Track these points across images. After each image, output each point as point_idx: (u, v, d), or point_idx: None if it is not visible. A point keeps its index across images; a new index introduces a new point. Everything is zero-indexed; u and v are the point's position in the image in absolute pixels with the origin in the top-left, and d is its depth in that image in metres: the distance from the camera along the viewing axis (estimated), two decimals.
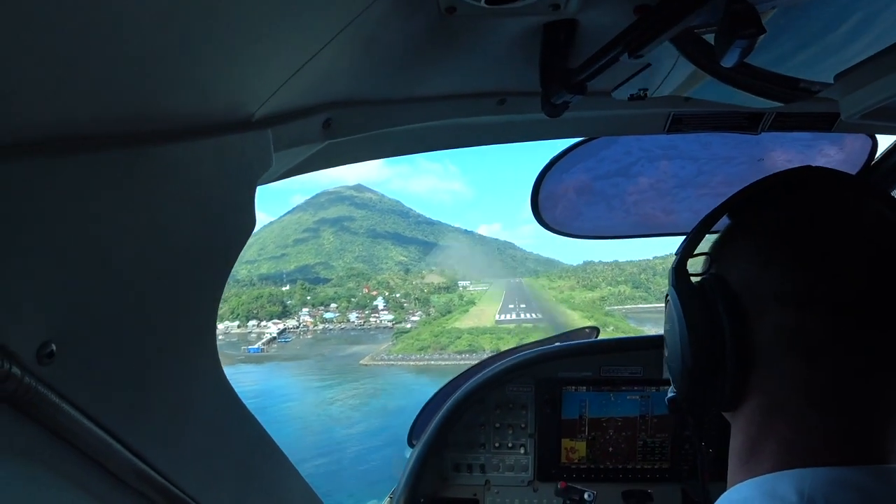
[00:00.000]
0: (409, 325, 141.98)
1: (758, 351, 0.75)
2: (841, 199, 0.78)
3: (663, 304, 0.87)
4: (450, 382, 2.63)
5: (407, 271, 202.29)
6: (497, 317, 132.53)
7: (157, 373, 0.82)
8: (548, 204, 1.91)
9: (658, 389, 2.36)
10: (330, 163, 1.34)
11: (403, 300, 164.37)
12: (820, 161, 1.86)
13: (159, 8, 0.52)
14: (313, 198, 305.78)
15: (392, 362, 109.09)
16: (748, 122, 1.48)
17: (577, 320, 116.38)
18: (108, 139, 0.61)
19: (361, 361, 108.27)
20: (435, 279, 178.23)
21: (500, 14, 0.90)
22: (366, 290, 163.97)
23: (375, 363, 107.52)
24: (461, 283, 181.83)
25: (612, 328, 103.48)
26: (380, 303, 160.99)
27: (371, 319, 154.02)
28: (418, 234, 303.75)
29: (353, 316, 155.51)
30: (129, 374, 0.76)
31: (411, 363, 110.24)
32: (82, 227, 0.61)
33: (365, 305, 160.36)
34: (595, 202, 1.99)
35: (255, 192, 0.91)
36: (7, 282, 0.54)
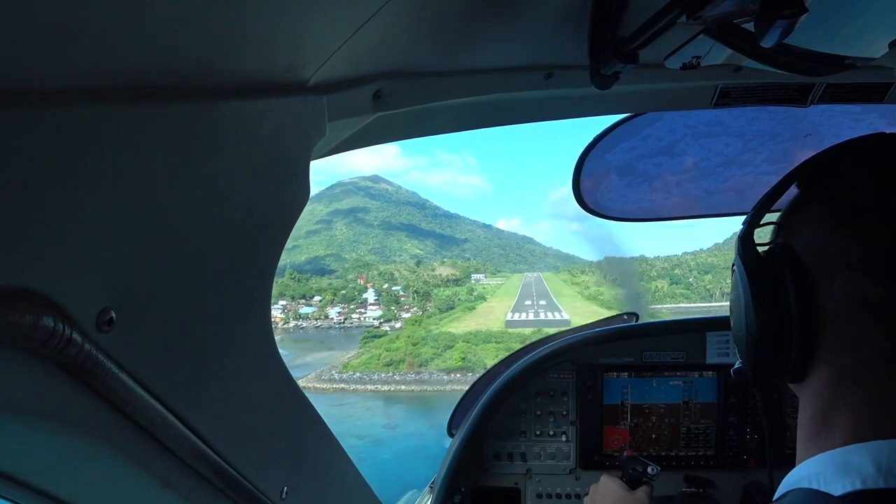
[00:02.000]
0: (399, 325, 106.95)
1: (827, 319, 0.75)
2: None
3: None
4: (489, 370, 2.67)
5: (418, 263, 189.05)
6: (509, 316, 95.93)
7: (214, 347, 0.82)
8: (589, 186, 1.93)
9: (701, 375, 2.38)
10: (380, 138, 1.36)
11: (402, 293, 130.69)
12: None
13: None
14: (328, 188, 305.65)
15: (343, 385, 73.10)
16: (798, 95, 1.48)
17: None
18: (174, 90, 0.60)
19: (300, 383, 51.61)
20: (446, 271, 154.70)
21: None
22: (360, 282, 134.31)
23: (318, 387, 71.49)
24: (475, 276, 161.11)
25: None
26: (370, 295, 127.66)
27: (354, 315, 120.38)
28: (435, 227, 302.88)
29: (334, 311, 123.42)
30: (187, 345, 0.76)
31: (369, 388, 72.29)
32: (145, 183, 0.59)
33: (353, 298, 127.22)
34: (638, 183, 2.00)
35: (309, 160, 0.92)
36: (68, 239, 0.52)
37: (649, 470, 1.73)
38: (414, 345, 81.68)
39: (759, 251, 0.85)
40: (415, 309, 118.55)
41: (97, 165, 0.53)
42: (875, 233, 0.72)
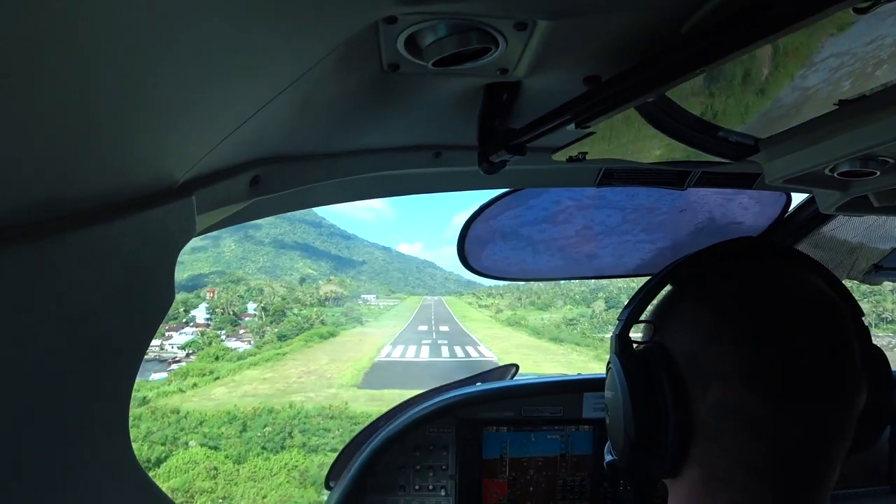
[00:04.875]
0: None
1: (699, 424, 0.79)
2: (782, 274, 0.83)
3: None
4: (371, 424, 2.61)
5: (302, 281, 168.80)
6: (384, 354, 55.23)
7: (63, 481, 0.73)
8: (474, 249, 2.00)
9: (578, 429, 2.45)
10: (255, 216, 1.33)
11: (251, 312, 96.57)
12: (738, 212, 2.00)
13: (79, 77, 0.46)
14: None
15: None
16: (676, 179, 1.60)
17: (579, 362, 53.58)
18: (6, 232, 0.53)
19: None
20: (330, 289, 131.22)
21: (445, 74, 0.90)
22: (209, 295, 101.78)
23: None
24: (365, 296, 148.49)
25: None
26: (200, 313, 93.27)
27: (155, 341, 66.70)
28: (331, 248, 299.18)
29: None
30: (29, 488, 0.67)
31: None
32: None
33: (175, 317, 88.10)
34: (521, 247, 2.09)
35: (175, 265, 0.86)
36: None
37: None
38: None
39: (635, 349, 0.88)
40: (248, 336, 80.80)
41: None
42: (743, 343, 0.77)
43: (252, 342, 73.33)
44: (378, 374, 41.87)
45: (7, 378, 0.58)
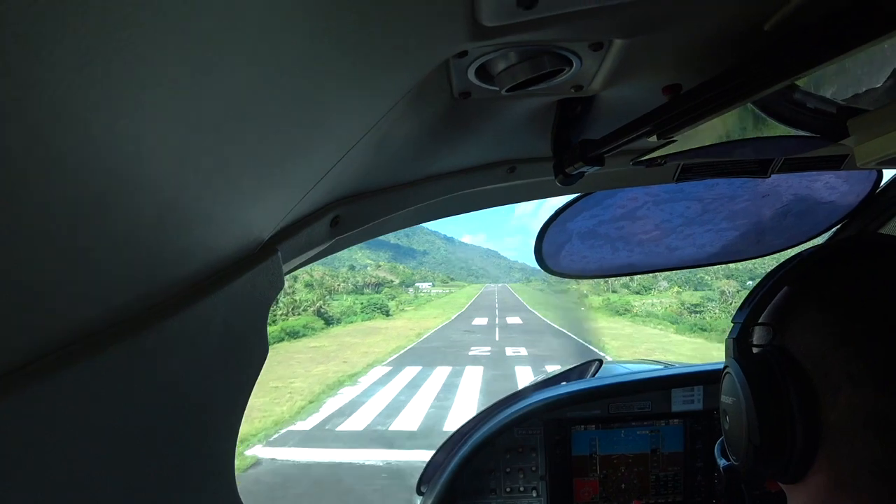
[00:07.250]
0: None
1: (827, 428, 0.76)
2: None
3: None
4: (459, 429, 2.66)
5: (351, 268, 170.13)
6: (337, 404, 15.41)
7: None
8: (551, 251, 2.02)
9: (668, 423, 2.45)
10: (334, 251, 1.36)
11: None
12: (824, 192, 1.94)
13: (169, 167, 0.47)
14: None
15: None
16: (758, 168, 1.55)
17: None
18: (97, 344, 0.53)
19: None
20: (381, 275, 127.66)
21: (518, 97, 0.90)
22: None
23: None
24: (420, 284, 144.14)
25: None
26: None
27: None
28: (390, 237, 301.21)
29: None
30: None
31: None
32: (73, 447, 0.52)
33: None
34: (600, 245, 2.09)
35: (267, 317, 0.87)
36: None
37: None
38: None
39: (755, 353, 0.85)
40: None
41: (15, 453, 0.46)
42: (876, 344, 0.73)
43: None
44: None
45: (119, 467, 0.59)
